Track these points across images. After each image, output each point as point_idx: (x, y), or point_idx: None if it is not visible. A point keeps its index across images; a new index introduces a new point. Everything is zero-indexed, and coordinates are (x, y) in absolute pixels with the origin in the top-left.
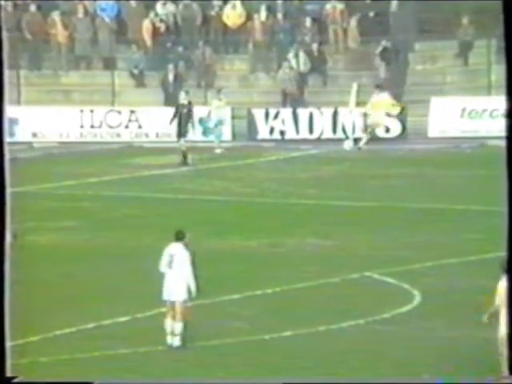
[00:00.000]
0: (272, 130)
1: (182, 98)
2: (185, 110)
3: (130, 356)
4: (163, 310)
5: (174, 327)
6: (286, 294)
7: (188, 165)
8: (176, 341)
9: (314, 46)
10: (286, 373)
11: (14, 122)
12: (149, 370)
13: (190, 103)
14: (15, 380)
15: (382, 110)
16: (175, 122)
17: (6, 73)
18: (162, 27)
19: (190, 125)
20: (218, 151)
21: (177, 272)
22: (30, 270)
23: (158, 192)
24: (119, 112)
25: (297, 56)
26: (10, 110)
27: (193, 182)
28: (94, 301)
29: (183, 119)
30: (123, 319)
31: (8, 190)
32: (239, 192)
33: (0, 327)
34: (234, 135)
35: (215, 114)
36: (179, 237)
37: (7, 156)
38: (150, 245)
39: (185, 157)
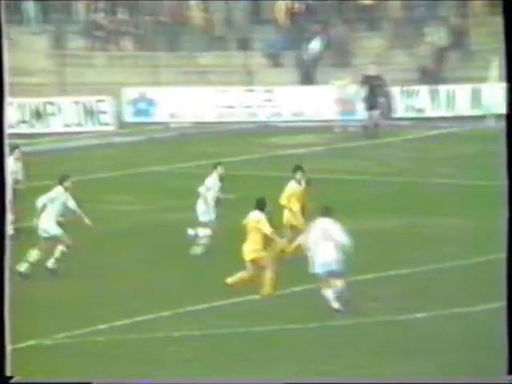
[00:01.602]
0: (409, 108)
1: (371, 70)
2: (374, 82)
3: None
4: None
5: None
6: (421, 274)
7: (376, 138)
8: (336, 304)
9: (454, 21)
10: (419, 354)
11: (152, 103)
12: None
13: (379, 76)
14: (15, 380)
15: None
16: (363, 95)
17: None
18: (297, 6)
19: (379, 98)
20: (351, 130)
21: (331, 244)
22: (170, 248)
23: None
24: (255, 92)
25: (437, 31)
26: (148, 91)
27: (328, 162)
28: None
29: (371, 91)
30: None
31: (134, 171)
32: (376, 171)
33: (0, 327)
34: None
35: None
36: (327, 213)
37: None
38: None
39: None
